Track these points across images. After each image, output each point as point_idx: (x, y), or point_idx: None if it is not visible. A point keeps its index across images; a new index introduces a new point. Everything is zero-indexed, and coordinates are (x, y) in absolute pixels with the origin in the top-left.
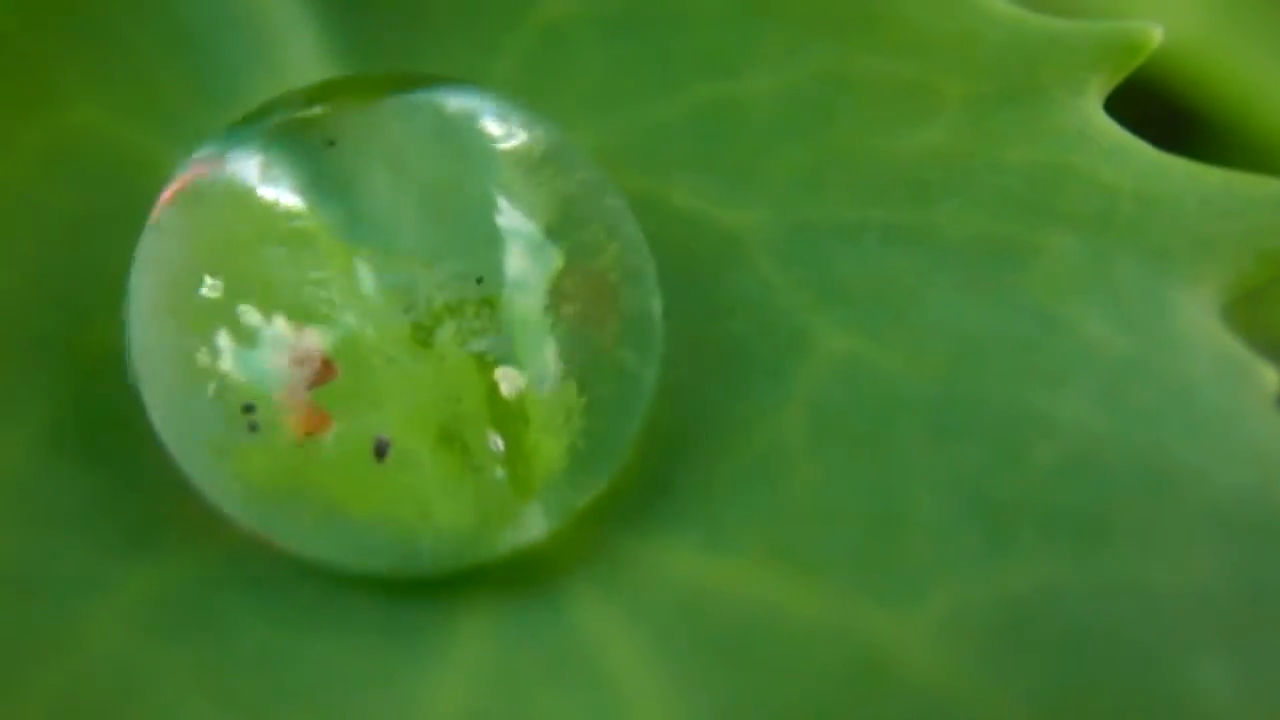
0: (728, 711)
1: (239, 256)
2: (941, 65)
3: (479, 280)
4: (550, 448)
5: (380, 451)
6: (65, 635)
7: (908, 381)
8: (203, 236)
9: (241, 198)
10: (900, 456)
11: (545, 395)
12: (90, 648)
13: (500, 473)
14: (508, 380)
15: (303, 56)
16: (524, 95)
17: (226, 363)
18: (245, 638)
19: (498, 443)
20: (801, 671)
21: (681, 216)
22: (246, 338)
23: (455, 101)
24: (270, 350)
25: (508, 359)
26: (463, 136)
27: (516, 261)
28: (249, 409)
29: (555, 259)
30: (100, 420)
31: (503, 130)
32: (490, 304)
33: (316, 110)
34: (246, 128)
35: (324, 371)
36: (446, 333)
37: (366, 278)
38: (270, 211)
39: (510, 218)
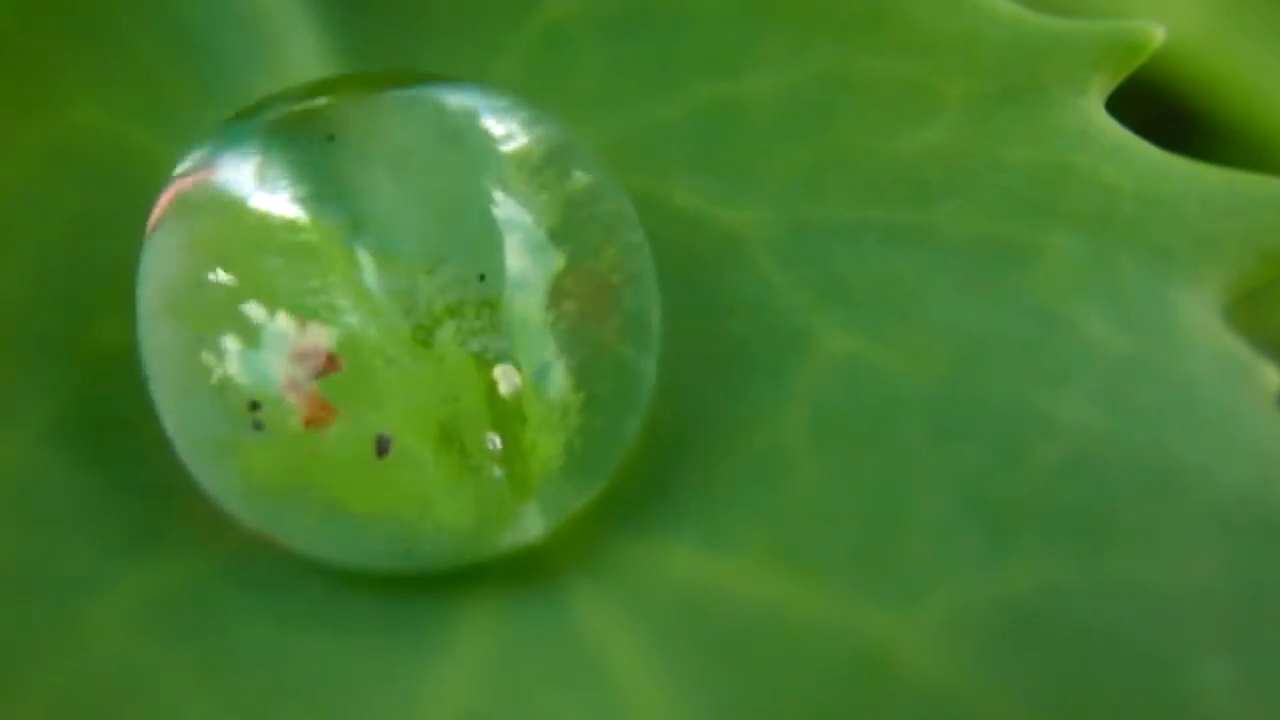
0: (728, 711)
1: (242, 257)
2: (942, 65)
3: (481, 277)
4: (547, 446)
5: (382, 449)
6: (66, 635)
7: (909, 381)
8: (204, 237)
9: (241, 197)
10: (901, 456)
11: (543, 394)
12: (91, 647)
13: (498, 471)
14: (506, 379)
15: (304, 56)
16: (525, 95)
17: (232, 362)
18: (246, 637)
19: (495, 442)
20: (802, 671)
21: (682, 216)
22: (251, 337)
23: (456, 98)
24: (275, 348)
25: (507, 358)
26: (464, 135)
27: (517, 262)
28: (255, 406)
29: (556, 259)
30: (101, 419)
31: (505, 129)
32: (491, 304)
33: (315, 103)
34: (244, 123)
35: (328, 364)
36: (447, 333)
37: (368, 282)
38: (270, 212)
39: (512, 219)
